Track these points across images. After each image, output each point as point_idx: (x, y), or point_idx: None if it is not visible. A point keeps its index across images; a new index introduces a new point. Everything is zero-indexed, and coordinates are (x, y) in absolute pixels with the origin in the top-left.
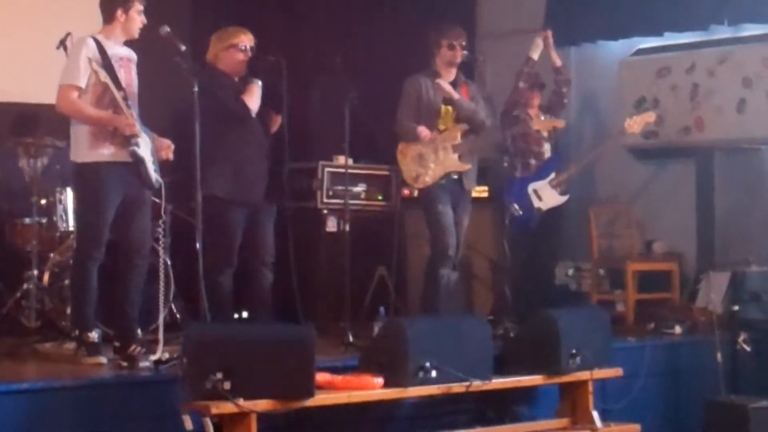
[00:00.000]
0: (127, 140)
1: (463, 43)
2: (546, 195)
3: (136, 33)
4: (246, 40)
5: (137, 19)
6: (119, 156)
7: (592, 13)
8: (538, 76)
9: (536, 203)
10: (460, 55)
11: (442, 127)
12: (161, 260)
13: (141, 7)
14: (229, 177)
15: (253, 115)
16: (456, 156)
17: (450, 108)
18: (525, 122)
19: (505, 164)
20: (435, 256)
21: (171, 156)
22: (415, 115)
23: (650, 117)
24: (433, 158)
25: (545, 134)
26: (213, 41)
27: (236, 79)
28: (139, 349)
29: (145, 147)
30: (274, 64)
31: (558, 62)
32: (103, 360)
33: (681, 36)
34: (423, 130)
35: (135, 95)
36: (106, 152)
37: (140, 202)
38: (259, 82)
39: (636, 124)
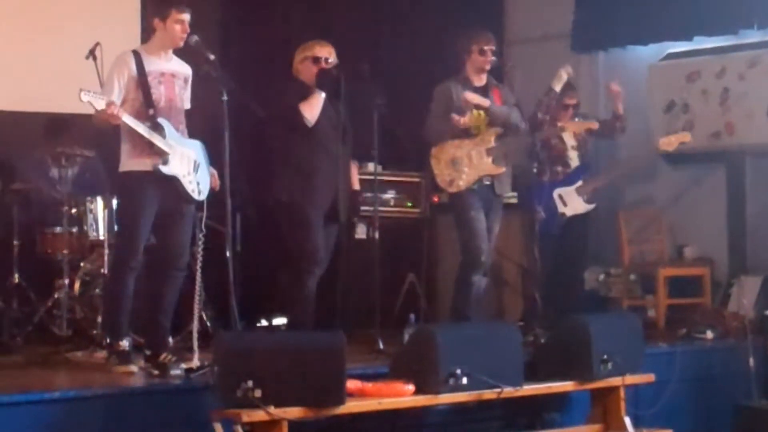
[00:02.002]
0: (159, 156)
1: (494, 48)
2: (571, 201)
3: (178, 42)
4: (324, 52)
5: (176, 28)
6: (153, 165)
7: (620, 18)
8: (561, 101)
9: (561, 208)
10: (490, 60)
11: (475, 131)
12: (198, 270)
13: (180, 17)
14: (295, 182)
15: (310, 124)
16: (490, 160)
17: (482, 112)
18: (550, 130)
19: (535, 170)
20: (467, 262)
21: (217, 185)
22: (446, 121)
23: (686, 137)
24: (467, 162)
25: (573, 143)
26: (296, 54)
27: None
28: (170, 357)
29: (179, 163)
30: (334, 76)
31: (620, 110)
32: (134, 368)
33: (711, 40)
34: (455, 116)
35: (179, 109)
36: (145, 163)
37: (178, 214)
38: (323, 94)
39: (671, 143)
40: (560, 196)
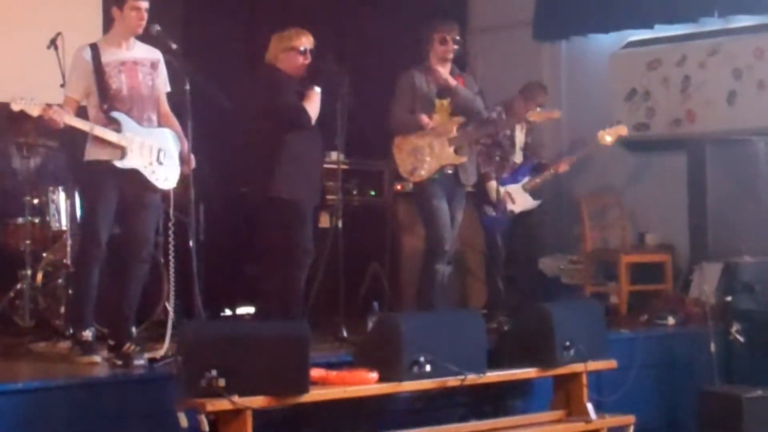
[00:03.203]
0: (117, 148)
1: (456, 37)
2: (519, 198)
3: (136, 30)
4: (306, 43)
5: (132, 15)
6: (116, 156)
7: (582, 7)
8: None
9: (509, 206)
10: (452, 49)
11: (438, 120)
12: (171, 260)
13: (136, 4)
14: (295, 179)
15: (312, 123)
16: (452, 149)
17: (445, 101)
18: (509, 120)
19: (481, 168)
20: (431, 252)
21: (188, 170)
22: (410, 109)
23: (623, 130)
24: (428, 152)
25: (521, 143)
26: (273, 41)
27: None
28: (133, 347)
29: (138, 154)
30: (336, 74)
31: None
32: (98, 359)
33: (671, 28)
34: (424, 117)
35: (143, 97)
36: (102, 153)
37: (140, 204)
38: (319, 90)
39: (609, 135)
40: (508, 194)
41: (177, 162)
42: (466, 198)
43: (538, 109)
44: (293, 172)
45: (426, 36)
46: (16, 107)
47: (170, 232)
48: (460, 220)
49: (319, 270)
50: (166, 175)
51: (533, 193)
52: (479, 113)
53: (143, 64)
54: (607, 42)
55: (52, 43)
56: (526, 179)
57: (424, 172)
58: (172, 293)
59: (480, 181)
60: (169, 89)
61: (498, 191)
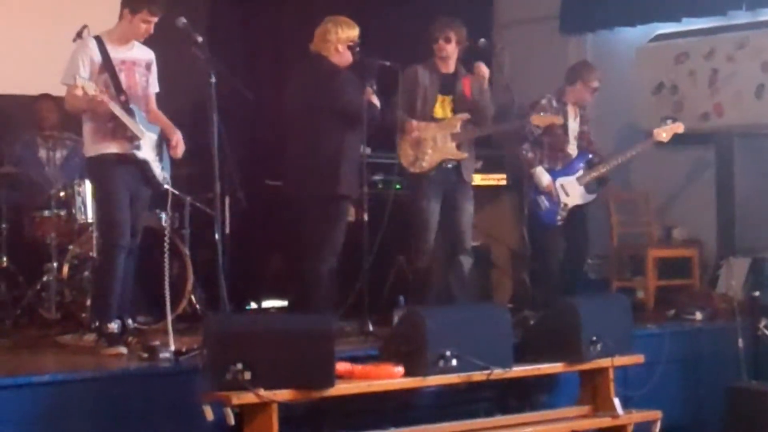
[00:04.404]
0: (128, 140)
1: (452, 37)
2: (573, 191)
3: (139, 39)
4: (357, 36)
5: (142, 27)
6: (123, 149)
7: (608, 0)
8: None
9: (563, 198)
10: (448, 49)
11: (439, 115)
12: (166, 253)
13: (149, 18)
14: (353, 176)
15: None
16: (454, 144)
17: (448, 97)
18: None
19: (525, 152)
20: (414, 252)
21: (179, 153)
22: (410, 105)
23: (679, 128)
24: (431, 145)
25: (575, 132)
26: (329, 32)
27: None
28: (132, 339)
29: (148, 148)
30: (388, 70)
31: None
32: (123, 350)
33: (699, 21)
34: (411, 123)
35: (140, 97)
36: (109, 146)
37: (135, 196)
38: (374, 86)
39: (665, 132)
40: (562, 186)
41: (168, 161)
42: (495, 191)
43: (541, 114)
44: (354, 170)
45: (430, 34)
46: (80, 82)
47: (166, 230)
48: (471, 211)
49: (347, 264)
50: (164, 173)
51: (588, 186)
52: (488, 118)
53: (139, 64)
54: (634, 35)
55: (78, 35)
56: (580, 172)
57: (425, 164)
58: (167, 291)
59: (524, 170)
60: (158, 89)
61: (548, 180)
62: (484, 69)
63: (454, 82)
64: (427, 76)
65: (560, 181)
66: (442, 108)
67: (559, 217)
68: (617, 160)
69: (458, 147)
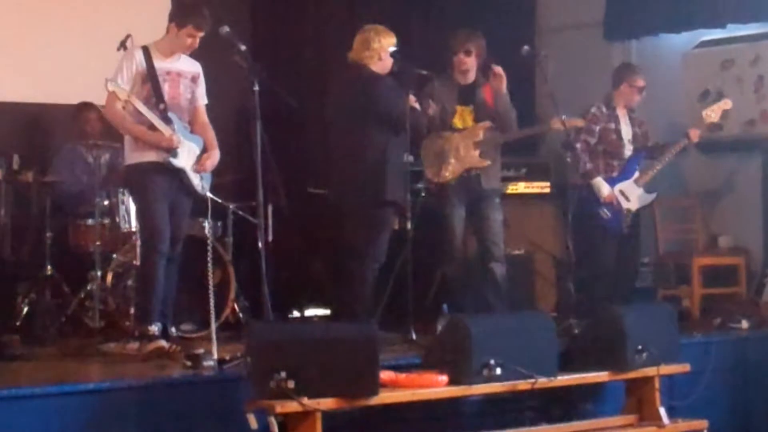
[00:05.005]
0: (165, 149)
1: (472, 50)
2: (632, 195)
3: (185, 51)
4: (396, 44)
5: (187, 41)
6: (160, 158)
7: (653, 6)
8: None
9: (625, 204)
10: (468, 62)
11: (459, 125)
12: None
13: (195, 33)
14: (400, 183)
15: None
16: (477, 153)
17: (468, 108)
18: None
19: (569, 160)
20: (441, 257)
21: (207, 169)
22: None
23: (727, 104)
24: (453, 154)
25: (629, 136)
26: (372, 40)
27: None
28: (175, 347)
29: (186, 157)
30: (424, 78)
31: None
32: (164, 343)
33: (744, 27)
34: (431, 104)
35: (183, 108)
36: (149, 155)
37: (174, 204)
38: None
39: (714, 112)
40: (621, 192)
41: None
42: (539, 199)
43: (563, 117)
44: (399, 176)
45: (449, 46)
46: (111, 87)
47: (209, 240)
48: (500, 219)
49: (391, 272)
50: (203, 182)
51: (647, 186)
52: (512, 124)
53: (185, 76)
54: (679, 42)
55: (122, 44)
56: (636, 174)
57: (448, 174)
58: (211, 299)
59: (584, 180)
60: (206, 101)
61: (608, 191)
62: (500, 71)
63: (474, 92)
64: (445, 90)
65: (619, 186)
66: (461, 118)
67: (624, 225)
68: (671, 152)
69: (481, 155)
